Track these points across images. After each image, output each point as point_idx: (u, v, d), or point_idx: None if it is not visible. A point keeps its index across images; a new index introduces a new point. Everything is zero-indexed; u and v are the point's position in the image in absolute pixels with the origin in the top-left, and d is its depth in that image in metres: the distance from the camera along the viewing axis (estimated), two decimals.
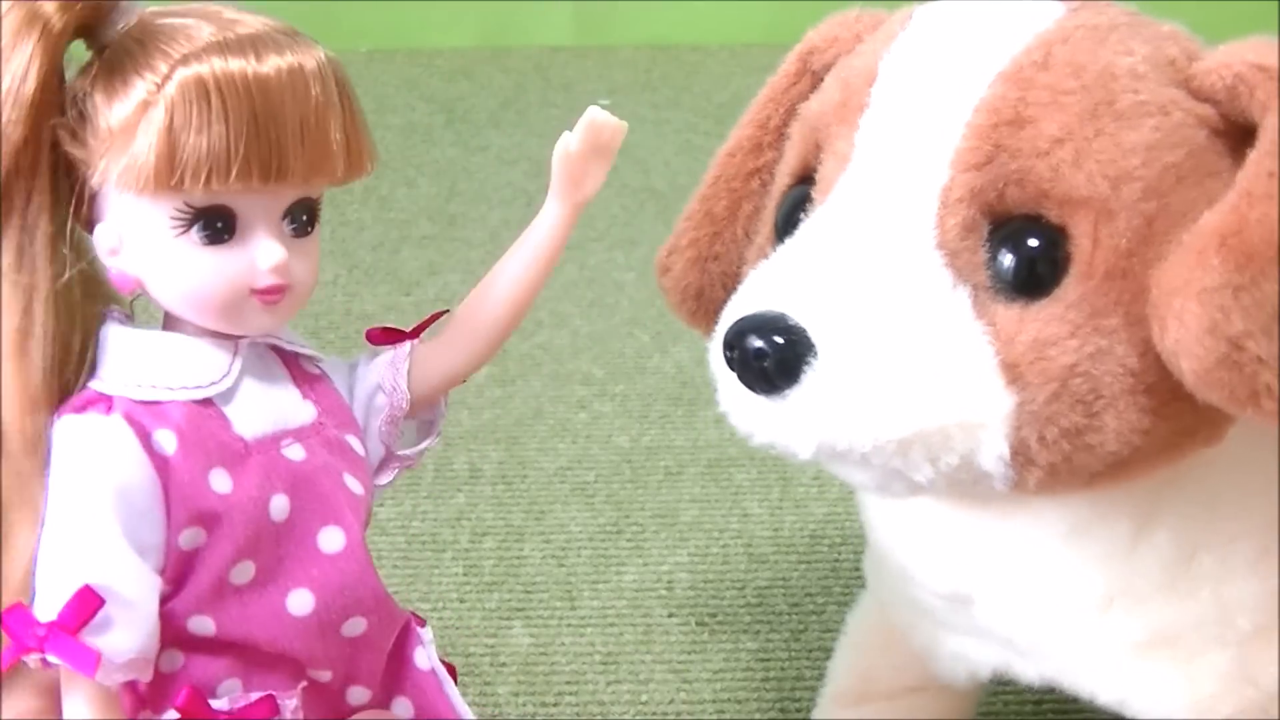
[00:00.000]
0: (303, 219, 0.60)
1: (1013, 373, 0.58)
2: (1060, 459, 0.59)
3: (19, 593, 0.58)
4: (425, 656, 0.67)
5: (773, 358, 0.58)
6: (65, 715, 0.59)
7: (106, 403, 0.59)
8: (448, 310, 0.68)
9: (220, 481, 0.60)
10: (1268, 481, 0.66)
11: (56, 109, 0.58)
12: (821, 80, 0.69)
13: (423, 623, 0.68)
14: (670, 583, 1.06)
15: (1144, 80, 0.59)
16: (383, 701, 0.66)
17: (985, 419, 0.58)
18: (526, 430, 1.24)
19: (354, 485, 0.63)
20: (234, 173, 0.56)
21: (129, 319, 0.62)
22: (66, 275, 0.59)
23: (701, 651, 0.99)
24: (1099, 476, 0.61)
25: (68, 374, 0.60)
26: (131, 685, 0.60)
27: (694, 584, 1.06)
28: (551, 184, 0.65)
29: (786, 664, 0.97)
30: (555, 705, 0.95)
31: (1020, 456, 0.59)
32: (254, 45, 0.58)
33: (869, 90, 0.63)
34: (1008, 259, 0.59)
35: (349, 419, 0.65)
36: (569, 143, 0.64)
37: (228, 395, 0.61)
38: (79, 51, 0.60)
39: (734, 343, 0.59)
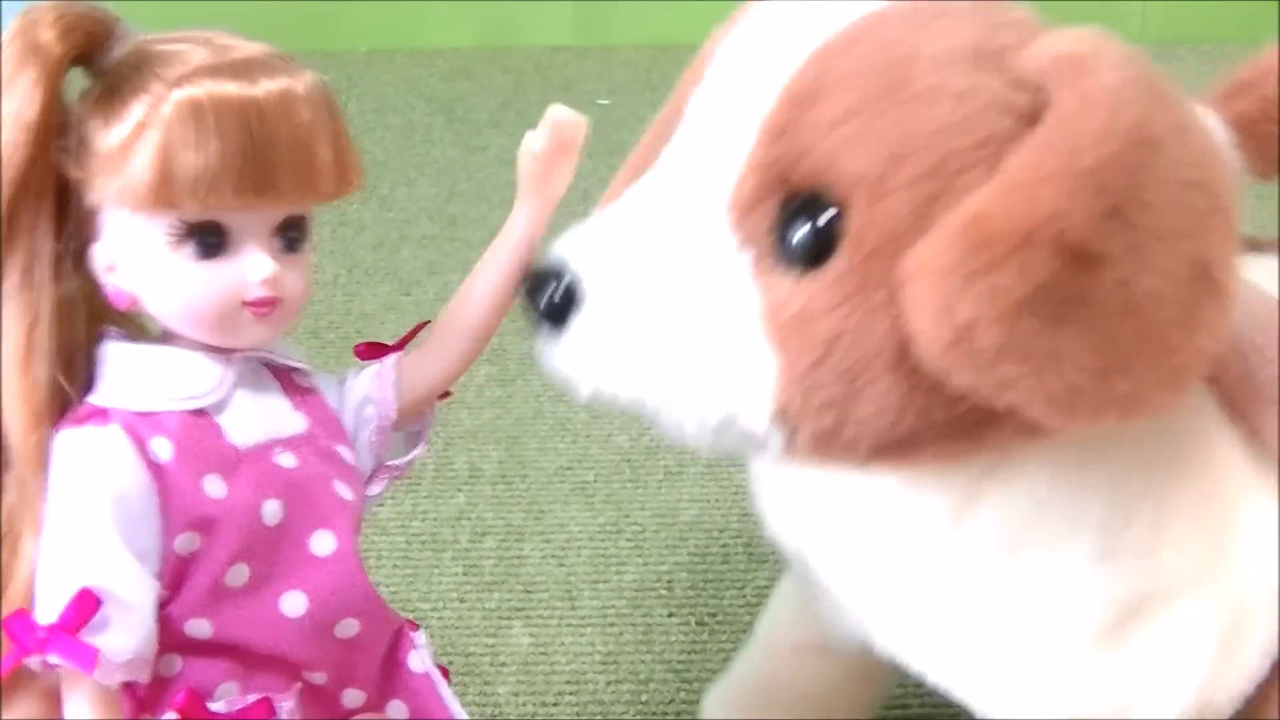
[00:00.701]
0: (293, 235, 0.62)
1: (778, 337, 0.59)
2: (826, 428, 0.59)
3: (22, 599, 0.59)
4: (419, 660, 0.68)
5: (548, 302, 0.60)
6: (66, 716, 0.60)
7: (104, 415, 0.61)
8: (430, 322, 0.69)
9: (215, 487, 0.61)
10: (1108, 481, 0.64)
11: (58, 133, 0.60)
12: None
13: (416, 627, 0.69)
14: (670, 583, 1.06)
15: (950, 65, 0.58)
16: (377, 705, 0.67)
17: (747, 380, 0.59)
18: (526, 430, 1.24)
19: (345, 492, 0.64)
20: (226, 190, 0.58)
21: (127, 336, 0.63)
22: (67, 293, 0.61)
23: (701, 651, 1.00)
24: (886, 452, 0.60)
25: (69, 389, 0.61)
26: (131, 688, 0.61)
27: (694, 584, 1.06)
28: (520, 185, 0.66)
29: None
30: (555, 705, 0.95)
31: (786, 422, 0.59)
32: (246, 69, 0.59)
33: (707, 65, 0.64)
34: (790, 230, 0.59)
35: (339, 430, 0.66)
36: (533, 143, 0.65)
37: (221, 405, 0.62)
38: (78, 79, 0.62)
39: (526, 285, 0.62)
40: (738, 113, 0.61)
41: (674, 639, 1.01)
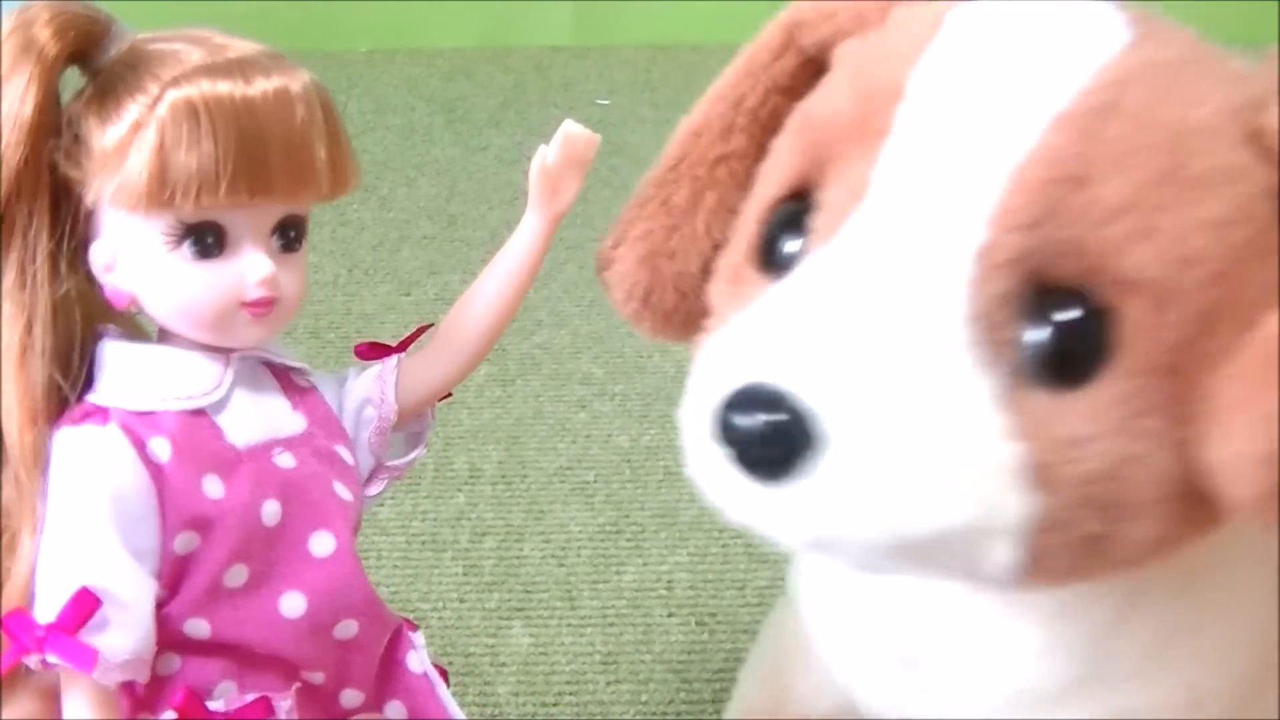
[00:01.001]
0: (290, 235, 0.62)
1: (1041, 474, 0.50)
2: (1071, 565, 0.52)
3: (20, 598, 0.59)
4: (417, 660, 0.68)
5: (776, 444, 0.49)
6: (65, 715, 0.60)
7: (102, 414, 0.61)
8: (432, 324, 0.69)
9: (213, 487, 0.61)
10: (1244, 568, 0.61)
11: (53, 132, 0.60)
12: (811, 61, 0.61)
13: (414, 627, 0.69)
14: (670, 583, 1.06)
15: (1216, 140, 0.50)
16: (375, 705, 0.67)
17: (1004, 524, 0.50)
18: (526, 430, 1.24)
19: (343, 493, 0.65)
20: (222, 189, 0.58)
21: (125, 335, 0.63)
22: (64, 292, 0.61)
23: (701, 651, 0.99)
24: (1099, 574, 0.55)
25: (66, 388, 0.61)
26: (129, 687, 0.61)
27: (694, 584, 1.06)
28: (530, 197, 0.66)
29: None
30: (555, 705, 0.95)
31: (1032, 562, 0.51)
32: (241, 68, 0.59)
33: (893, 110, 0.53)
34: (1046, 340, 0.50)
35: (338, 430, 0.66)
36: (545, 156, 0.65)
37: (220, 405, 0.62)
38: (74, 78, 0.62)
39: (729, 419, 0.50)
40: (960, 188, 0.51)
41: (674, 639, 1.01)
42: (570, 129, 0.66)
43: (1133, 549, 0.52)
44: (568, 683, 0.97)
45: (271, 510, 0.62)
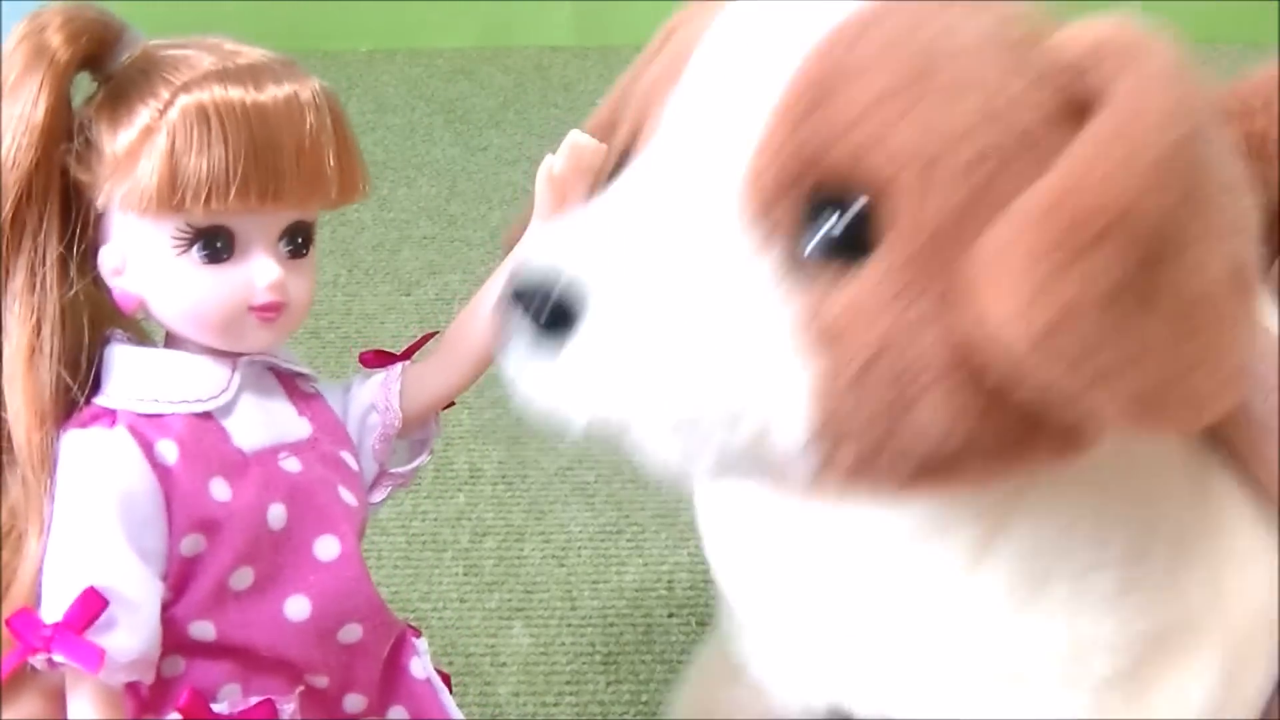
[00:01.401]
0: (298, 241, 0.62)
1: (818, 345, 0.53)
2: (871, 445, 0.54)
3: (26, 598, 0.59)
4: (421, 666, 0.69)
5: (543, 314, 0.53)
6: (70, 716, 0.60)
7: (110, 416, 0.61)
8: (437, 332, 0.70)
9: (220, 490, 0.61)
10: (1130, 510, 0.62)
11: (64, 136, 0.60)
12: None
13: (418, 633, 0.70)
14: (670, 583, 1.06)
15: (974, 56, 0.55)
16: (378, 710, 0.67)
17: (781, 396, 0.53)
18: (527, 430, 1.24)
19: (348, 498, 0.65)
20: (232, 194, 0.58)
21: (133, 339, 0.63)
22: (73, 295, 0.61)
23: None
24: (926, 475, 0.56)
25: (74, 391, 0.62)
26: (134, 689, 0.61)
27: (694, 584, 1.06)
28: (536, 206, 0.67)
29: None
30: (555, 705, 0.95)
31: (826, 439, 0.54)
32: (253, 74, 0.60)
33: (687, 60, 0.59)
34: (819, 224, 0.54)
35: (343, 436, 0.66)
36: (552, 165, 0.66)
37: (227, 409, 0.62)
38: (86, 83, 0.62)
39: (507, 298, 0.55)
40: (741, 103, 0.56)
41: (674, 639, 1.01)
42: (578, 139, 0.66)
43: (933, 435, 0.54)
44: (568, 683, 0.97)
45: (277, 514, 0.62)
